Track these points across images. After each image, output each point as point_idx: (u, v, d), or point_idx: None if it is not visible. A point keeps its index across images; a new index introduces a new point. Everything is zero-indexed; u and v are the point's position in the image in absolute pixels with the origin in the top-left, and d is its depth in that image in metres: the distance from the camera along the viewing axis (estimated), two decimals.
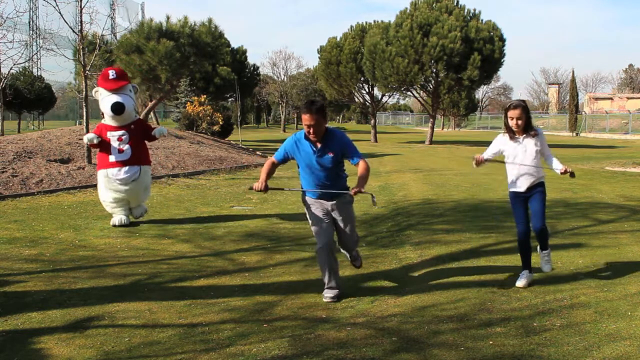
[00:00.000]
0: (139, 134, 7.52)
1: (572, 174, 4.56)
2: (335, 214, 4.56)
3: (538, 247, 4.78)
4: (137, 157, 7.43)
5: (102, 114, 7.58)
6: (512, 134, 4.61)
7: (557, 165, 4.58)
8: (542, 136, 4.63)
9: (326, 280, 4.52)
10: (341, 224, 4.59)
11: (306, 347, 3.52)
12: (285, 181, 11.81)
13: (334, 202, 4.53)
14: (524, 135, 4.59)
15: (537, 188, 4.64)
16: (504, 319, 3.93)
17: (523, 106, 4.56)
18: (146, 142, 7.73)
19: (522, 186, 4.64)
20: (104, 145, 7.35)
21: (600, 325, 3.76)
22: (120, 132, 7.33)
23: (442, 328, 3.79)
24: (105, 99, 7.34)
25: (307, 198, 4.59)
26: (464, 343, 3.52)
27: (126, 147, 7.32)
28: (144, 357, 3.43)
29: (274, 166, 4.54)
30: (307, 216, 4.64)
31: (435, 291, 4.58)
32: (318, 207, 4.55)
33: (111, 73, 7.44)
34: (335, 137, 4.42)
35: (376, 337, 3.64)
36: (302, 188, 4.61)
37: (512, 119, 4.53)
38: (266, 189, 4.39)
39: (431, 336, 3.66)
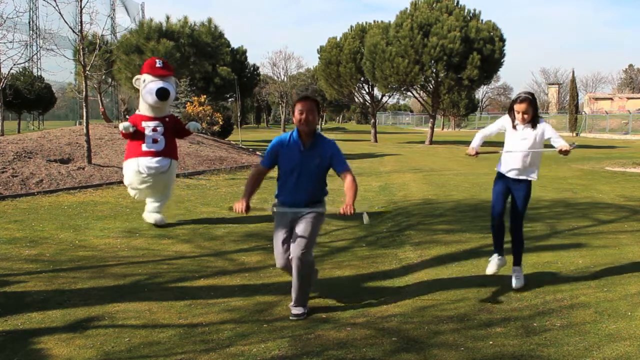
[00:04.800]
0: (172, 128, 7.56)
1: (572, 145, 4.46)
2: (295, 222, 4.13)
3: (512, 263, 4.73)
4: (170, 149, 7.45)
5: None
6: (514, 124, 4.53)
7: (560, 143, 4.44)
8: (546, 125, 4.49)
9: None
10: (298, 227, 4.10)
11: (306, 347, 3.53)
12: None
13: (307, 211, 4.13)
14: (526, 125, 4.49)
15: (523, 184, 4.58)
16: (504, 319, 3.93)
17: (530, 100, 4.44)
18: (177, 138, 7.77)
19: (508, 170, 4.58)
20: (137, 134, 7.31)
21: (600, 325, 3.76)
22: (155, 123, 7.35)
23: (442, 328, 3.79)
24: (150, 83, 7.31)
25: (278, 207, 4.23)
26: (464, 343, 3.53)
27: (160, 137, 7.33)
28: (144, 357, 3.43)
29: (261, 176, 4.23)
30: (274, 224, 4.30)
31: (435, 291, 4.58)
32: (286, 219, 4.18)
33: (158, 62, 7.46)
34: (324, 142, 4.15)
35: (376, 337, 3.65)
36: (279, 203, 4.23)
37: (519, 112, 4.43)
38: (247, 209, 4.03)
39: (431, 336, 3.66)
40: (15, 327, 3.89)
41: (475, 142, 4.70)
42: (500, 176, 4.68)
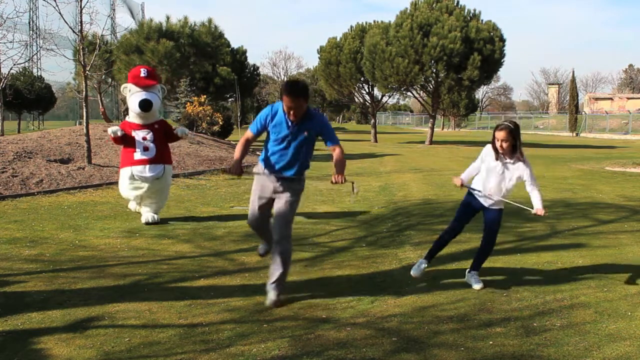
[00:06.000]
0: (162, 134, 7.64)
1: (545, 212, 4.45)
2: (277, 195, 4.36)
3: (469, 269, 4.78)
4: (161, 155, 7.53)
5: (125, 110, 7.70)
6: (497, 153, 4.50)
7: (536, 204, 4.46)
8: (529, 166, 4.50)
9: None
10: (278, 206, 4.36)
11: (306, 347, 3.52)
12: None
13: (286, 181, 4.33)
14: (510, 159, 4.48)
15: (496, 207, 4.61)
16: (504, 319, 3.93)
17: (511, 129, 4.41)
18: (168, 143, 7.88)
19: (483, 197, 4.60)
20: (128, 142, 7.42)
21: (600, 325, 3.76)
22: (144, 131, 7.44)
23: (442, 328, 3.79)
24: (133, 95, 7.44)
25: (259, 167, 4.42)
26: (464, 343, 3.53)
27: (151, 145, 7.42)
28: (144, 357, 3.43)
29: (248, 143, 4.35)
30: (252, 187, 4.54)
31: (435, 291, 4.58)
32: (265, 183, 4.38)
33: (142, 71, 7.54)
34: (313, 118, 4.27)
35: (376, 337, 3.65)
36: (262, 156, 4.42)
37: (498, 140, 4.42)
38: (241, 172, 4.23)
39: (431, 336, 3.66)
40: (15, 327, 3.89)
41: (465, 175, 4.74)
42: (471, 199, 4.68)
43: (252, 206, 4.54)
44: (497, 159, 4.51)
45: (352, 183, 4.41)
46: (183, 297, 4.51)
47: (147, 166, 7.37)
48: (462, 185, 4.66)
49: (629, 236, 6.49)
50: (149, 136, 7.42)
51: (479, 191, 4.60)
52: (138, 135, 7.41)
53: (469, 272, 4.80)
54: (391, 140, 36.18)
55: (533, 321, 3.87)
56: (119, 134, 7.30)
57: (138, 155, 7.37)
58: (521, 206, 4.62)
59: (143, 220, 7.45)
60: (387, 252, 6.03)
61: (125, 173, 7.49)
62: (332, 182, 4.18)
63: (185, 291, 4.70)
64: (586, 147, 28.68)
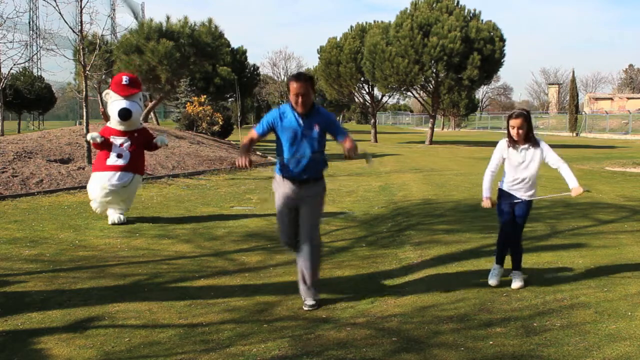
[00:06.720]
0: (141, 143, 7.66)
1: (585, 189, 4.60)
2: (302, 202, 4.28)
3: (512, 268, 4.81)
4: (134, 164, 7.53)
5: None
6: (513, 142, 4.63)
7: (572, 183, 4.61)
8: (544, 145, 4.64)
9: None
10: (304, 214, 4.29)
11: (306, 347, 3.53)
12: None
13: (308, 184, 4.26)
14: (526, 145, 4.60)
15: (527, 202, 4.70)
16: (504, 319, 3.93)
17: (525, 115, 4.58)
18: (147, 151, 7.95)
19: (514, 191, 4.69)
20: (105, 147, 7.44)
21: (600, 326, 3.75)
22: (122, 139, 7.46)
23: (443, 328, 3.79)
24: (114, 103, 7.47)
25: (277, 179, 4.35)
26: (464, 343, 3.52)
27: (126, 152, 7.43)
28: (144, 357, 3.43)
29: (252, 142, 4.29)
30: (275, 203, 4.45)
31: (436, 291, 4.58)
32: (286, 193, 4.29)
33: (124, 79, 7.53)
34: (320, 112, 4.26)
35: (376, 337, 3.65)
36: (278, 166, 4.35)
37: (514, 127, 4.56)
38: (250, 163, 4.12)
39: (431, 336, 3.66)
40: (15, 327, 3.89)
41: (487, 187, 4.74)
42: (505, 194, 4.74)
43: (282, 223, 4.40)
44: (512, 147, 4.63)
45: (365, 154, 4.38)
46: (183, 297, 4.51)
47: (118, 174, 7.33)
48: (493, 204, 4.72)
49: (629, 236, 6.49)
50: (126, 144, 7.44)
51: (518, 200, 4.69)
52: (116, 141, 7.43)
53: (511, 272, 4.80)
54: (391, 140, 36.18)
55: (533, 321, 3.87)
56: (98, 140, 7.33)
57: (111, 160, 7.38)
58: (558, 195, 4.68)
59: (110, 221, 7.41)
60: (387, 252, 6.03)
61: (94, 177, 7.48)
62: (345, 154, 4.12)
63: (185, 291, 4.70)
64: (586, 147, 28.68)
